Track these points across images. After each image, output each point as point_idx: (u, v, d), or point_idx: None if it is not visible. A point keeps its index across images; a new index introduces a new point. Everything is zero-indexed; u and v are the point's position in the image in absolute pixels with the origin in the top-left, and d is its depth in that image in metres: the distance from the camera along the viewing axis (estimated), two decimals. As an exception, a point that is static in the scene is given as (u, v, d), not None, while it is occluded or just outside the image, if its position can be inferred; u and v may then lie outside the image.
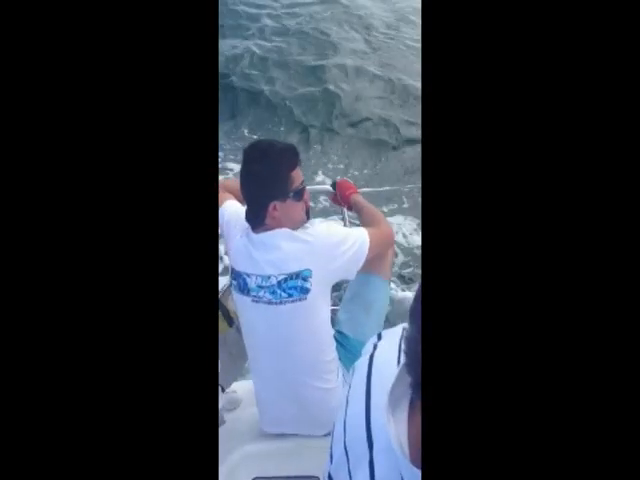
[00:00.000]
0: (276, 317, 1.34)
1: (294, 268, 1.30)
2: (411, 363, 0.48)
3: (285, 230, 1.33)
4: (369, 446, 0.54)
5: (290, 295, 1.31)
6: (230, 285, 1.75)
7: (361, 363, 0.65)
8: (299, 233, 1.33)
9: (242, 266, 1.38)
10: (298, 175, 1.34)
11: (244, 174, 1.35)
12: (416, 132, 5.18)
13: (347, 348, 1.47)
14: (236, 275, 1.40)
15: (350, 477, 0.56)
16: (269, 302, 1.33)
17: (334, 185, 1.73)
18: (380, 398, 0.52)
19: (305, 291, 1.30)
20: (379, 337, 0.68)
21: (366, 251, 1.35)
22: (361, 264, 1.36)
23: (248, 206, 1.38)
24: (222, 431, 1.69)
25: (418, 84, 5.62)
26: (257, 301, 1.35)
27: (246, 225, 1.39)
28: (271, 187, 1.31)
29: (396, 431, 0.49)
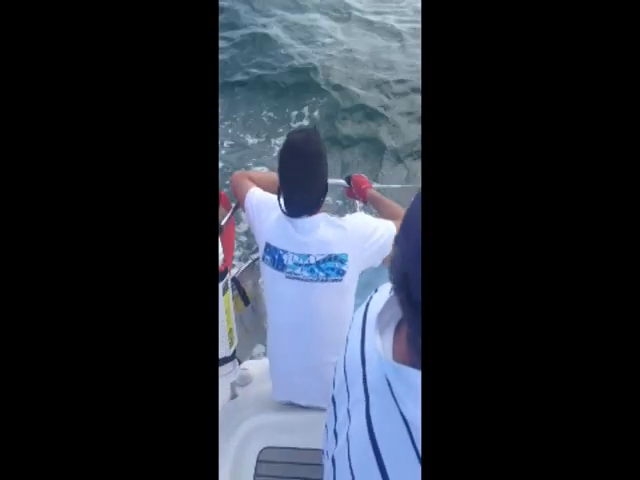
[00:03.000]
0: (309, 294, 1.43)
1: (333, 251, 1.39)
2: (396, 281, 0.54)
3: (324, 215, 1.42)
4: (362, 364, 0.66)
5: (327, 275, 1.40)
6: (248, 267, 1.87)
7: (359, 310, 0.76)
8: (337, 220, 1.42)
9: (279, 243, 1.44)
10: None
11: (298, 165, 1.38)
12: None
13: None
14: (271, 250, 1.46)
15: (348, 393, 0.68)
16: (305, 279, 1.42)
17: (348, 179, 1.83)
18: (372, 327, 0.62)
19: (342, 273, 1.40)
20: (375, 290, 0.77)
21: (392, 243, 1.44)
22: (386, 254, 1.44)
23: (300, 196, 1.41)
24: (234, 404, 1.80)
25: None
26: (292, 278, 1.43)
27: (280, 208, 1.45)
28: (325, 171, 1.41)
29: (382, 345, 0.59)
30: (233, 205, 1.71)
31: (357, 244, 1.40)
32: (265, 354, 2.04)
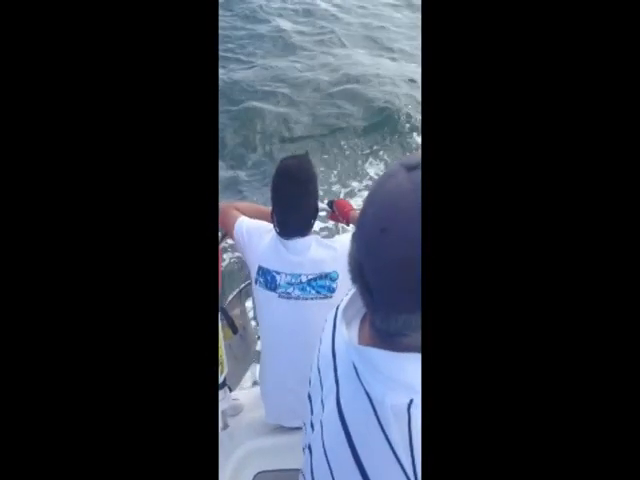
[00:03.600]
0: (302, 311, 1.49)
1: (324, 269, 1.47)
2: (353, 270, 0.62)
3: (315, 236, 1.51)
4: (333, 357, 0.72)
5: (319, 292, 1.48)
6: (235, 296, 1.92)
7: (331, 312, 0.83)
8: (327, 240, 1.52)
9: (272, 264, 1.52)
10: None
11: (291, 190, 1.47)
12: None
13: None
14: (264, 272, 1.54)
15: (322, 386, 0.73)
16: (297, 298, 1.49)
17: (330, 204, 1.92)
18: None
19: (332, 290, 1.47)
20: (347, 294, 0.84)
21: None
22: None
23: (293, 218, 1.49)
24: (226, 434, 1.80)
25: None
26: (284, 297, 1.50)
27: (272, 233, 1.54)
28: (316, 195, 1.51)
29: (348, 334, 0.66)
30: (220, 235, 1.77)
31: (345, 263, 1.47)
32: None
